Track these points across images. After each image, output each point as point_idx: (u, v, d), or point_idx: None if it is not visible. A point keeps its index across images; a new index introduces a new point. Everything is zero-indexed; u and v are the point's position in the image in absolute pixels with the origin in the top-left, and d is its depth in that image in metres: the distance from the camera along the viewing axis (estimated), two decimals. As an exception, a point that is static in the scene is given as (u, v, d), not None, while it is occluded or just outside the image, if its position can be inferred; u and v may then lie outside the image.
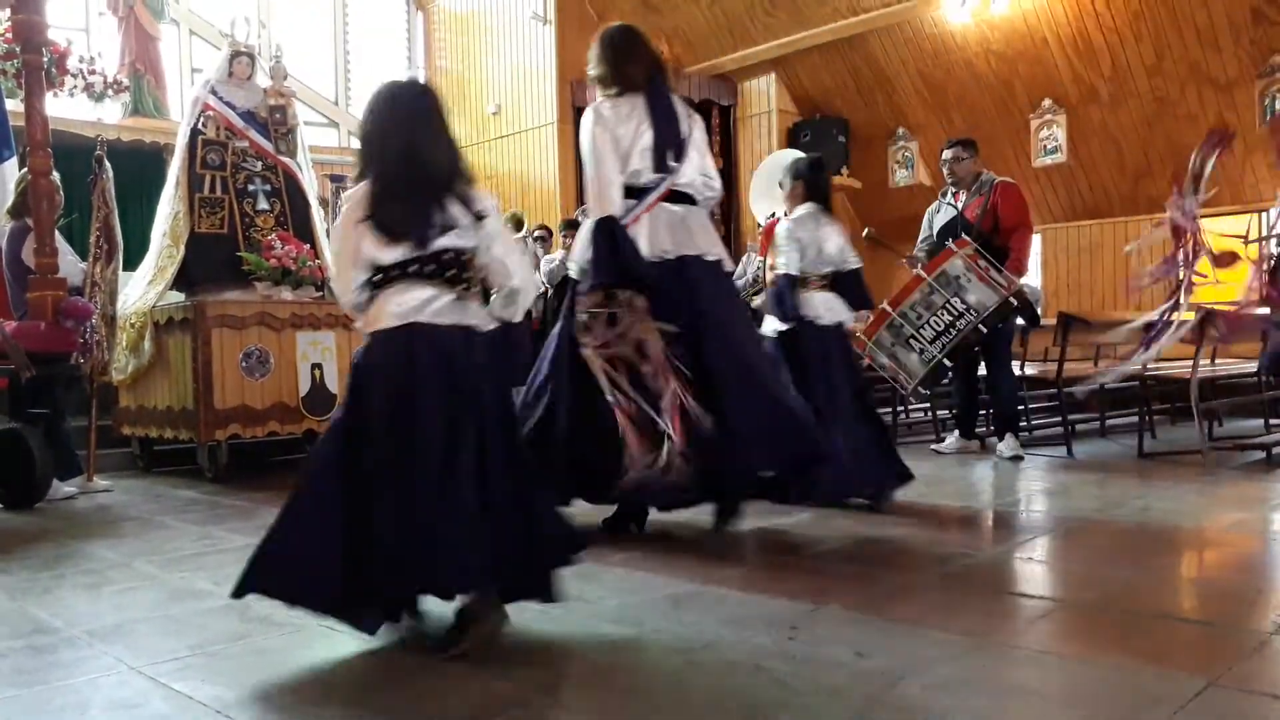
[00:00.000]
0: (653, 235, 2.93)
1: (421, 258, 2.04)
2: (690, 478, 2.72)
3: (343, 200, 2.23)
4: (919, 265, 5.15)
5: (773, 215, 6.03)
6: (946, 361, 4.93)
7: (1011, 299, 4.83)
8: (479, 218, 2.10)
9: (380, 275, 2.06)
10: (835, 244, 3.76)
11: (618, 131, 2.95)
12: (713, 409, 2.75)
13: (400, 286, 2.04)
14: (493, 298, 2.21)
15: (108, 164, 4.69)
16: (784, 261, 3.70)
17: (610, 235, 2.83)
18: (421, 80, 2.43)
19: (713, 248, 3.06)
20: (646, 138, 2.95)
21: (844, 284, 3.77)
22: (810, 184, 3.80)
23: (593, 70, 3.08)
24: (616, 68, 3.01)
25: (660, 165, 2.96)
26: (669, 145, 2.98)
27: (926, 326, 4.90)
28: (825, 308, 3.69)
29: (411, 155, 2.08)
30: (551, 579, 2.08)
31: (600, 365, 2.71)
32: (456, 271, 2.07)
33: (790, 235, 3.70)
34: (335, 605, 2.03)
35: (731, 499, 3.05)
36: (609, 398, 2.68)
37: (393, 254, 2.04)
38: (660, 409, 2.64)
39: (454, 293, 2.06)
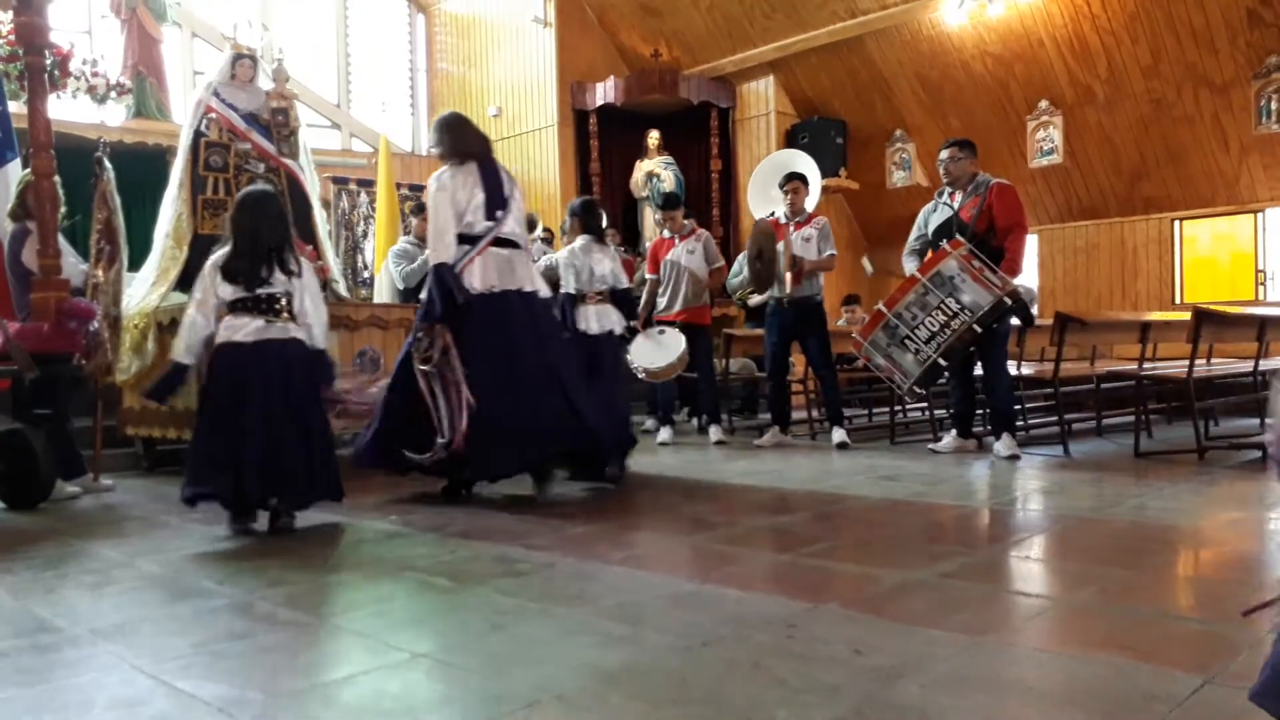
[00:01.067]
0: (484, 273, 3.83)
1: (248, 298, 3.36)
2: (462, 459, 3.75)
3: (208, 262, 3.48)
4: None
5: (772, 214, 6.03)
6: (941, 361, 4.94)
7: (1006, 299, 4.84)
8: (290, 274, 3.41)
9: (226, 307, 3.37)
10: (606, 267, 4.73)
11: (457, 195, 3.86)
12: (509, 405, 3.71)
13: (233, 316, 3.36)
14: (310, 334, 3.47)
15: (108, 165, 4.69)
16: (564, 284, 4.71)
17: (443, 281, 3.74)
18: (269, 188, 3.92)
19: (532, 282, 3.99)
20: (479, 197, 3.85)
21: (618, 300, 4.72)
22: (583, 221, 4.83)
23: (435, 147, 4.03)
24: (455, 146, 3.94)
25: (490, 217, 3.87)
26: (496, 203, 3.90)
27: (921, 327, 4.91)
28: (596, 319, 4.65)
29: (254, 234, 3.40)
30: (332, 488, 3.49)
31: (419, 370, 3.79)
32: (270, 306, 3.37)
33: (568, 263, 4.70)
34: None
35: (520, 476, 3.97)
36: (424, 390, 3.78)
37: (232, 293, 3.37)
38: (449, 406, 3.73)
39: (265, 320, 3.36)
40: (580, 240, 4.76)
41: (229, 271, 3.37)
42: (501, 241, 3.90)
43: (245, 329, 3.33)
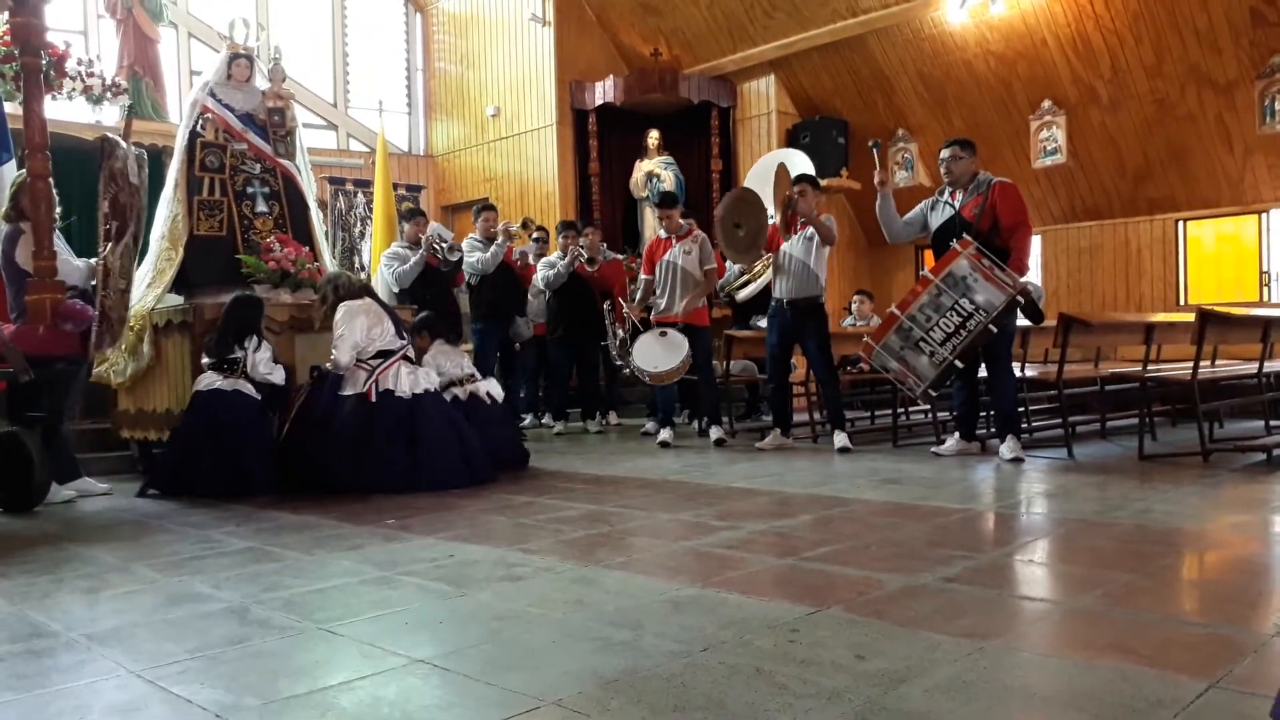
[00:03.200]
0: (403, 380, 4.78)
1: (218, 361, 4.73)
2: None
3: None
4: (885, 182, 5.39)
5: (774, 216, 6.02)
6: (958, 363, 4.91)
7: (1019, 297, 4.82)
8: (244, 347, 4.76)
9: (207, 364, 4.77)
10: (464, 367, 5.55)
11: (368, 327, 4.79)
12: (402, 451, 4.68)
13: (207, 372, 4.73)
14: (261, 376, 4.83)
15: (122, 144, 4.58)
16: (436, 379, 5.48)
17: (334, 384, 4.76)
18: (252, 295, 5.08)
19: (432, 385, 4.93)
20: (389, 322, 4.89)
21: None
22: (433, 332, 5.46)
23: (324, 301, 4.97)
24: (348, 290, 4.94)
25: (400, 337, 4.92)
26: (400, 328, 4.97)
27: (936, 329, 4.88)
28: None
29: (228, 324, 4.80)
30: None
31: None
32: (231, 368, 4.72)
33: (436, 365, 5.41)
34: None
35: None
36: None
37: (209, 361, 4.75)
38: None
39: (222, 375, 4.70)
40: (436, 344, 5.45)
41: (208, 348, 4.80)
42: (407, 356, 4.95)
43: (213, 383, 4.69)
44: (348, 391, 4.71)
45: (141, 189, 4.64)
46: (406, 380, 4.79)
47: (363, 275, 8.43)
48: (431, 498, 4.29)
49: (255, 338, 4.79)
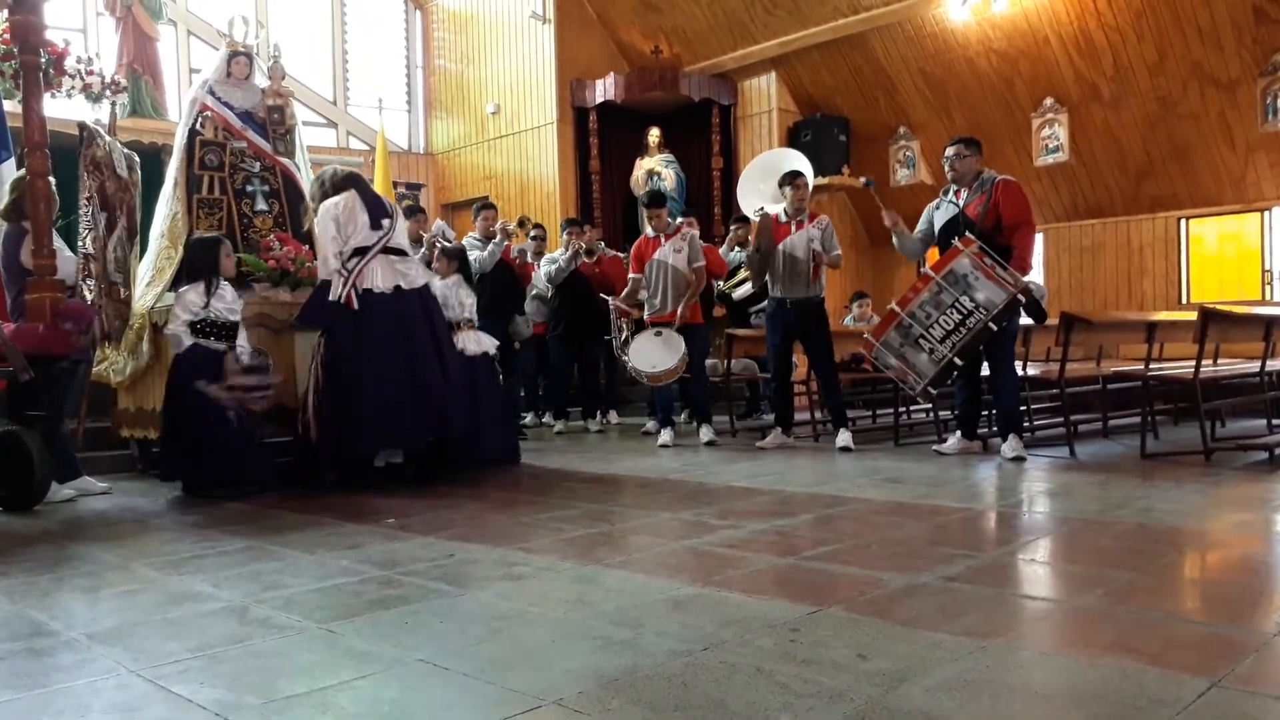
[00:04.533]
0: (384, 274, 4.60)
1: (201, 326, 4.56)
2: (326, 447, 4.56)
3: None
4: (897, 223, 5.34)
5: (760, 209, 6.00)
6: (957, 360, 4.91)
7: (1020, 296, 4.82)
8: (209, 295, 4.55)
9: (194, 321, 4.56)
10: (471, 299, 5.42)
11: (341, 219, 4.60)
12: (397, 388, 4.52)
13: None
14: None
15: (100, 132, 4.53)
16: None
17: (321, 293, 4.63)
18: (211, 236, 4.90)
19: (420, 279, 4.78)
20: (363, 217, 4.62)
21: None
22: (459, 265, 5.50)
23: (313, 199, 4.85)
24: (334, 185, 4.71)
25: (376, 227, 4.63)
26: (380, 215, 4.69)
27: (936, 326, 4.88)
28: (474, 342, 5.30)
29: (181, 268, 4.77)
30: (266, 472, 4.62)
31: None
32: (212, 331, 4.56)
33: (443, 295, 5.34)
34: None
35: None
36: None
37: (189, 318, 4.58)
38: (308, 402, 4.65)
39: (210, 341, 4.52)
40: (456, 277, 5.41)
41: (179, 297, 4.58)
42: (391, 250, 4.67)
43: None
44: (332, 297, 4.61)
45: (135, 187, 4.62)
46: (383, 276, 4.58)
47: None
48: (432, 497, 4.29)
49: (217, 279, 4.57)
